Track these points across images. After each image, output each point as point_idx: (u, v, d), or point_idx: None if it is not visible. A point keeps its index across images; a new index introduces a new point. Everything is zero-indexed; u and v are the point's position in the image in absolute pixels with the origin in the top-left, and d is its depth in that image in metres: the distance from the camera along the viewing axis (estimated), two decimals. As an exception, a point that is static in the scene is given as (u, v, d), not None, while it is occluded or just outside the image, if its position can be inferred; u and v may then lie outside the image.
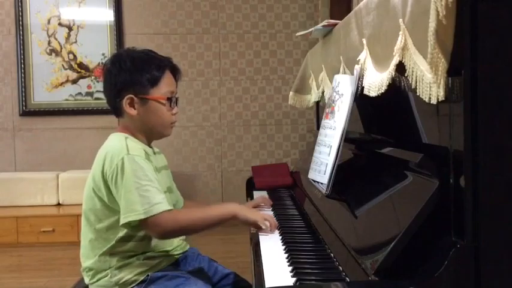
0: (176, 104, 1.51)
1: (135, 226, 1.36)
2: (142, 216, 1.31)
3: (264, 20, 4.57)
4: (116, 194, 1.36)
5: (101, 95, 1.54)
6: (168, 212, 1.35)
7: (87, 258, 1.45)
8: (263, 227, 1.37)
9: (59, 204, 4.27)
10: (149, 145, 1.53)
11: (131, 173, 1.34)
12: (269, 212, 1.66)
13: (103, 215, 1.41)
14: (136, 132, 1.48)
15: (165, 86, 1.47)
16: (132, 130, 1.48)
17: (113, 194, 1.37)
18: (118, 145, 1.40)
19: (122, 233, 1.40)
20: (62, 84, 4.51)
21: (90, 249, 1.44)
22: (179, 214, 1.42)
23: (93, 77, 4.50)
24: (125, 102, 1.44)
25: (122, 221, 1.33)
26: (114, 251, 1.41)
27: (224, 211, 1.42)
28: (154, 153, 1.55)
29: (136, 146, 1.42)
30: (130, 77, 1.44)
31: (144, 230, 1.38)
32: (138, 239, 1.41)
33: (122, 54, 1.49)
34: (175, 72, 1.53)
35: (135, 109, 1.45)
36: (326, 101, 1.57)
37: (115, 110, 1.50)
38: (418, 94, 0.82)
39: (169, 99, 1.47)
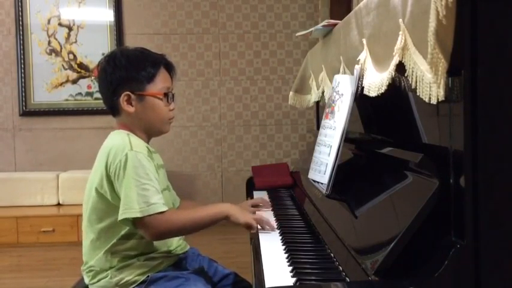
0: (173, 100, 1.52)
1: (132, 223, 1.36)
2: (138, 215, 1.32)
3: (264, 20, 4.57)
4: (118, 190, 1.37)
5: (101, 95, 1.56)
6: (161, 214, 1.35)
7: (89, 258, 1.45)
8: (253, 226, 1.38)
9: (59, 204, 4.27)
10: (148, 143, 1.53)
11: (132, 169, 1.34)
12: (268, 213, 1.66)
13: (105, 214, 1.41)
14: (135, 130, 1.48)
15: (161, 82, 1.48)
16: (131, 128, 1.48)
17: (116, 190, 1.38)
18: (121, 141, 1.40)
19: (123, 231, 1.40)
20: (62, 84, 4.51)
21: (91, 249, 1.45)
22: (172, 215, 1.42)
23: (93, 77, 4.50)
24: (122, 99, 1.44)
25: (120, 217, 1.34)
26: (115, 249, 1.41)
27: (216, 211, 1.43)
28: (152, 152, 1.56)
29: (140, 143, 1.43)
30: (126, 74, 1.44)
31: (139, 230, 1.38)
32: (138, 236, 1.42)
33: (116, 53, 1.49)
34: (169, 68, 1.53)
35: (132, 106, 1.45)
36: (326, 101, 1.57)
37: (112, 109, 1.49)
38: (418, 94, 0.82)
39: (166, 95, 1.48)
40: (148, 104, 1.46)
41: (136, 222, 1.34)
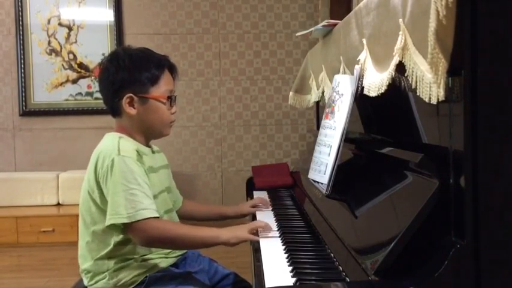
0: (175, 103, 1.50)
1: (121, 229, 1.34)
2: (125, 220, 1.29)
3: (264, 20, 4.57)
4: (106, 195, 1.34)
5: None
6: (154, 220, 1.32)
7: (85, 260, 1.43)
8: (250, 239, 1.34)
9: (59, 204, 4.27)
10: (147, 144, 1.52)
11: (120, 174, 1.32)
12: (268, 213, 1.66)
13: (98, 218, 1.39)
14: (134, 132, 1.46)
15: (164, 84, 1.45)
16: (129, 130, 1.46)
17: (105, 195, 1.35)
18: (110, 145, 1.38)
19: (119, 237, 1.37)
20: (62, 84, 4.51)
21: (87, 251, 1.43)
22: (166, 225, 1.38)
23: (93, 77, 4.50)
24: (125, 101, 1.42)
25: (107, 222, 1.31)
26: (112, 254, 1.39)
27: (212, 237, 1.34)
28: (154, 152, 1.54)
29: (129, 147, 1.39)
30: (129, 75, 1.41)
31: (129, 235, 1.35)
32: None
33: (119, 53, 1.46)
34: (172, 70, 1.51)
35: (134, 108, 1.43)
36: (326, 101, 1.57)
37: (112, 109, 1.47)
38: (418, 94, 0.82)
39: (169, 98, 1.46)
40: (151, 107, 1.43)
41: (125, 227, 1.32)
